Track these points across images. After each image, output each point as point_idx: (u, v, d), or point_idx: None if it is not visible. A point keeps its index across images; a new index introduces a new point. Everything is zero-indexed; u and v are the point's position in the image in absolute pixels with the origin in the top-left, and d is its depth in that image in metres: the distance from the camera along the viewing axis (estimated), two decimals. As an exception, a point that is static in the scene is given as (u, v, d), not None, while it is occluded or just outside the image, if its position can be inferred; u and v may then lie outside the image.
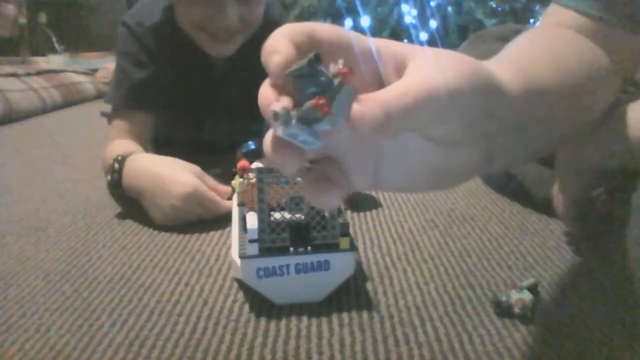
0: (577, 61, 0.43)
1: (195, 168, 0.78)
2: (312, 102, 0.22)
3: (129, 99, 0.92)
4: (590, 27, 0.46)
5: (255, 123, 1.11)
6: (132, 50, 0.94)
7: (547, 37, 0.47)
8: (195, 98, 1.03)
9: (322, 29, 0.26)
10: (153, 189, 0.74)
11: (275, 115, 0.23)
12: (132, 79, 0.93)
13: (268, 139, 0.25)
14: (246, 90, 1.06)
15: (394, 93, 0.24)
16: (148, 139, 0.94)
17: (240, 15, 0.88)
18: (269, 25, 1.01)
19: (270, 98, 0.24)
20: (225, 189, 0.79)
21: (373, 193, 0.90)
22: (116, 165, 0.76)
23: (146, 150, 0.88)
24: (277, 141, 0.24)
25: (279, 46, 0.25)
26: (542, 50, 0.42)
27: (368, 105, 0.23)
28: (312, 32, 0.26)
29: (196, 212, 0.74)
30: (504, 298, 0.51)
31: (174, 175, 0.75)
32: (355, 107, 0.23)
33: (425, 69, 0.26)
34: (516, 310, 0.50)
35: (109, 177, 0.77)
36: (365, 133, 0.23)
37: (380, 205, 0.83)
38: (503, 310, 0.51)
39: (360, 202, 0.84)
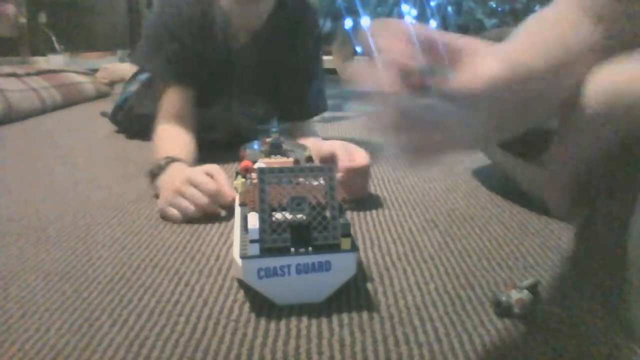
0: (559, 43, 0.45)
1: (212, 166, 0.81)
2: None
3: (175, 71, 1.02)
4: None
5: (263, 109, 1.13)
6: (172, 20, 1.02)
7: (542, 20, 0.49)
8: (208, 78, 1.06)
9: (420, 31, 0.35)
10: (168, 183, 0.80)
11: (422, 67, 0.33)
12: (167, 49, 1.02)
13: (362, 69, 0.33)
14: (259, 72, 1.10)
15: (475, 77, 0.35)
16: (193, 115, 1.03)
17: None
18: (296, 16, 1.07)
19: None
20: (231, 191, 0.78)
21: (375, 192, 0.90)
22: (162, 163, 0.85)
23: (190, 130, 1.00)
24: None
25: (396, 49, 0.34)
26: (536, 35, 0.46)
27: (464, 77, 0.35)
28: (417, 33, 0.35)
29: (193, 196, 0.76)
30: (504, 298, 0.51)
31: (185, 170, 0.80)
32: (456, 77, 0.34)
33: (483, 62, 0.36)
34: (516, 310, 0.50)
35: (151, 168, 0.86)
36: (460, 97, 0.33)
37: (381, 205, 0.83)
38: (503, 310, 0.51)
39: (363, 202, 0.84)
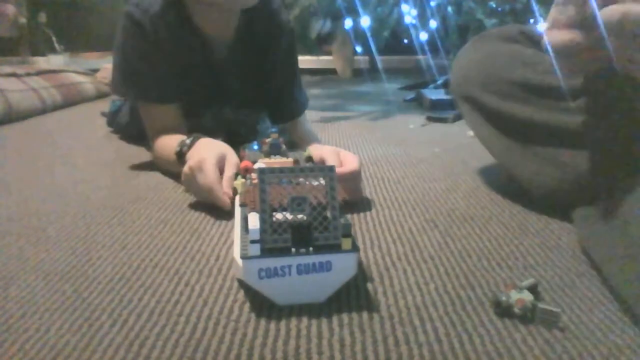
0: None
1: (230, 157, 0.82)
2: None
3: (153, 93, 1.01)
4: None
5: (255, 112, 1.13)
6: (138, 43, 0.98)
7: None
8: (197, 86, 1.05)
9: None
10: (194, 155, 0.83)
11: None
12: (141, 73, 1.00)
13: None
14: (245, 78, 1.10)
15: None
16: (184, 125, 1.04)
17: None
18: (268, 15, 1.05)
19: None
20: (228, 191, 0.78)
21: (376, 193, 0.90)
22: (188, 141, 0.88)
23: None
24: None
25: None
26: None
27: None
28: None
29: (199, 181, 0.78)
30: (504, 298, 0.51)
31: (204, 152, 0.82)
32: None
33: None
34: (516, 310, 0.50)
35: (177, 149, 0.89)
36: None
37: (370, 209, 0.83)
38: (503, 310, 0.51)
39: (363, 203, 0.84)
